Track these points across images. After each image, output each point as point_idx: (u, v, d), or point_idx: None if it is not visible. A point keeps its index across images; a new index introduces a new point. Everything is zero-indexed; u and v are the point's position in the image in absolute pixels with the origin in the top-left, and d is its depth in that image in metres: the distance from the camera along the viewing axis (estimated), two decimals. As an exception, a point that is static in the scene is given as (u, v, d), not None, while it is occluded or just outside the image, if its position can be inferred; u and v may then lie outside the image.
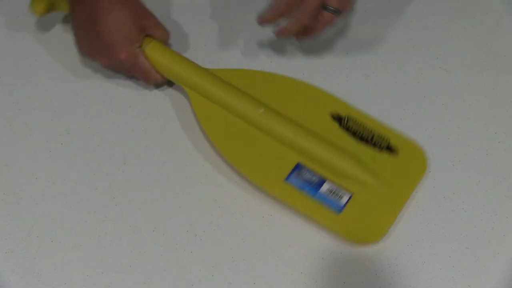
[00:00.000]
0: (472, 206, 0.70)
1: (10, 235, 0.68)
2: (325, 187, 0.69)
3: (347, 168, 0.70)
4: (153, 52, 0.74)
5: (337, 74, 0.79)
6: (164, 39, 0.76)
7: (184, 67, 0.75)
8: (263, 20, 0.73)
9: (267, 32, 0.79)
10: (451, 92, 0.78)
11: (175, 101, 0.77)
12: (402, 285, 0.65)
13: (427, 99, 0.78)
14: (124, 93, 0.78)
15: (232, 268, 0.66)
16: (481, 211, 0.69)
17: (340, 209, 0.68)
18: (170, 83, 0.78)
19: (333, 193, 0.69)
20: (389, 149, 0.72)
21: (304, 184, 0.69)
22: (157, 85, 0.78)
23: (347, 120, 0.74)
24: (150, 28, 0.74)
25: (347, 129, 0.73)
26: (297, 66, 0.80)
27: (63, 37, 0.82)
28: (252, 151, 0.71)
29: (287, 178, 0.70)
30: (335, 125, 0.73)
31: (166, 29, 0.76)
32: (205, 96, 0.74)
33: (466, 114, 0.77)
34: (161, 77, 0.75)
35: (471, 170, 0.72)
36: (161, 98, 0.77)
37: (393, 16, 0.85)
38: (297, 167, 0.70)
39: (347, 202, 0.69)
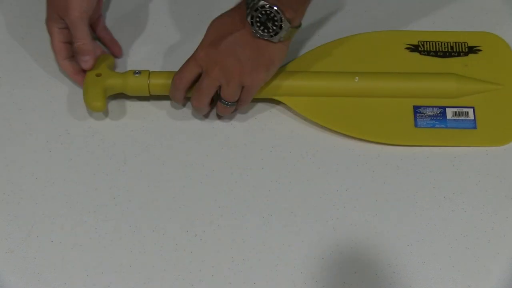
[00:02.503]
0: (472, 206, 0.70)
1: (10, 235, 0.68)
2: (449, 113, 0.73)
3: (453, 86, 0.74)
4: None
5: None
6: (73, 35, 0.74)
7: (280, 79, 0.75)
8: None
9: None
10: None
11: (175, 101, 0.77)
12: (402, 285, 0.65)
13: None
14: (124, 93, 0.77)
15: (232, 268, 0.66)
16: (481, 211, 0.69)
17: (474, 124, 0.73)
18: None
19: (459, 114, 0.73)
20: (472, 50, 0.77)
21: (432, 121, 0.73)
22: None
23: (423, 45, 0.78)
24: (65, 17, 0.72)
25: (427, 53, 0.78)
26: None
27: (63, 37, 0.82)
28: (370, 118, 0.74)
29: (416, 124, 0.73)
30: (415, 55, 0.78)
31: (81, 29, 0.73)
32: (301, 95, 0.75)
33: (466, 114, 0.77)
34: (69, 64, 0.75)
35: (471, 170, 0.72)
36: (161, 98, 0.77)
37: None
38: (416, 110, 0.74)
39: (474, 116, 0.73)
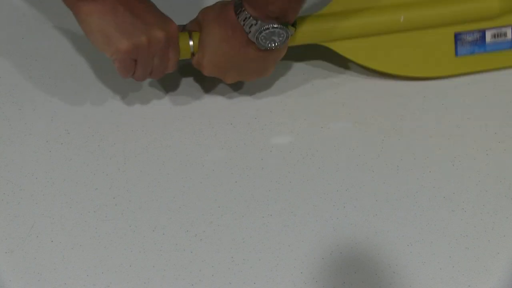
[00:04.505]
0: (472, 206, 0.70)
1: (10, 235, 0.68)
2: (488, 36, 0.74)
3: (493, 6, 0.74)
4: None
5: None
6: None
7: (322, 22, 0.74)
8: None
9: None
10: (450, 94, 0.79)
11: (175, 101, 0.77)
12: (402, 285, 0.65)
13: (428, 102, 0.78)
14: (124, 93, 0.78)
15: (232, 268, 0.66)
16: (481, 211, 0.69)
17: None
18: (172, 81, 0.78)
19: (497, 36, 0.74)
20: None
21: (472, 47, 0.74)
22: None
23: None
24: None
25: None
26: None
27: (63, 37, 0.82)
28: (412, 53, 0.74)
29: (457, 52, 0.74)
30: None
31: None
32: (346, 38, 0.74)
33: (466, 114, 0.77)
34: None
35: (471, 170, 0.72)
36: (161, 97, 0.77)
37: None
38: (457, 37, 0.74)
39: None
